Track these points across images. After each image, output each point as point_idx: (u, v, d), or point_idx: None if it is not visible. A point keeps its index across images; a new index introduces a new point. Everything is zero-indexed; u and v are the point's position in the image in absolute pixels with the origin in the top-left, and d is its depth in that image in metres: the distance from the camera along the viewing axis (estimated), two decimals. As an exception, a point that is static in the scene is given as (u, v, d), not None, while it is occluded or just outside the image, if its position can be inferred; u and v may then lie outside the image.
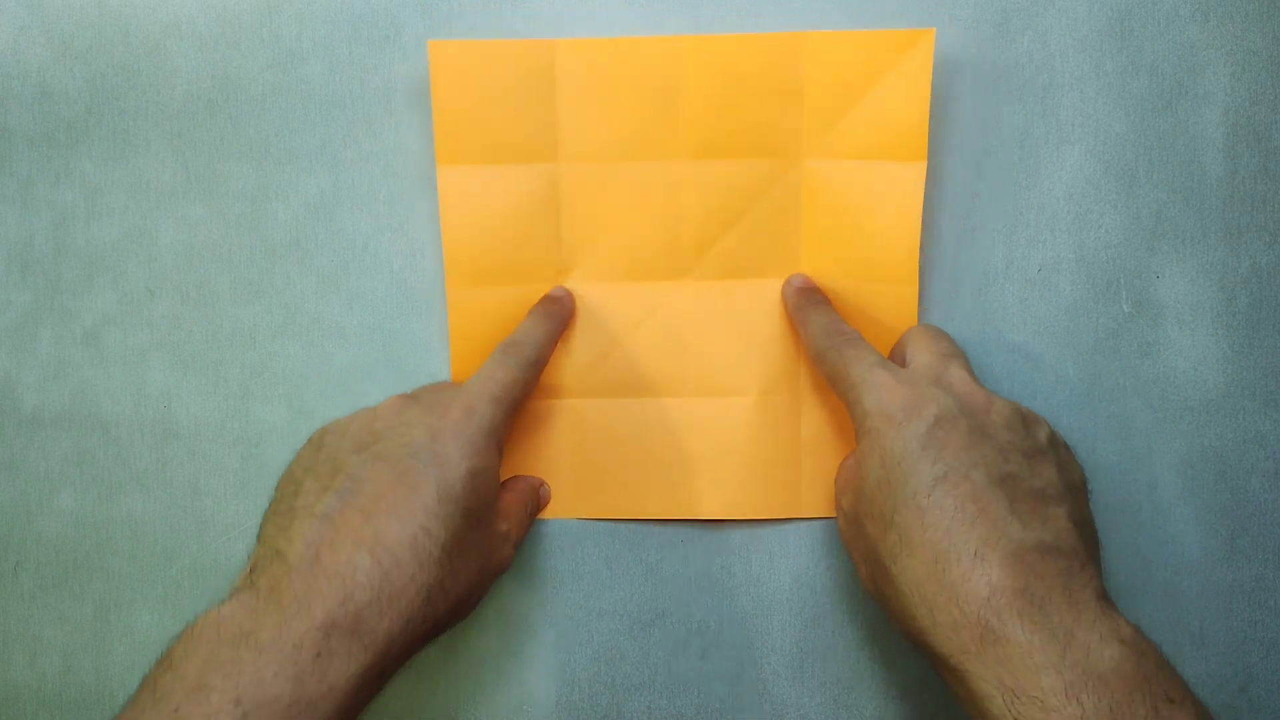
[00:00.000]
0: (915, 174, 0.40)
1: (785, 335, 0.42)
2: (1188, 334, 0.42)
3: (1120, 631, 0.29)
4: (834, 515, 0.41)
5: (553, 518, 0.42)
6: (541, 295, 0.42)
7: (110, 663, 0.43)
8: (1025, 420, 0.34)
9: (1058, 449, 0.35)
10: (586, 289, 0.42)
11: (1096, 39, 0.42)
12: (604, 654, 0.42)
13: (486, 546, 0.35)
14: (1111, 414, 0.41)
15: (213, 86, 0.43)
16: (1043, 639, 0.29)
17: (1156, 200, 0.42)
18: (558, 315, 0.41)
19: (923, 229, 0.42)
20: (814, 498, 0.42)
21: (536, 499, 0.41)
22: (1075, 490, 0.34)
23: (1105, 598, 0.31)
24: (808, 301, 0.40)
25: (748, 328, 0.42)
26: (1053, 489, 0.33)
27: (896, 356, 0.39)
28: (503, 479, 0.39)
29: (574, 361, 0.42)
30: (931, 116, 0.41)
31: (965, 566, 0.30)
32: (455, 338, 0.42)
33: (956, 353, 0.37)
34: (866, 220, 0.41)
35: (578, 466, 0.42)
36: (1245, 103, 0.42)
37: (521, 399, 0.38)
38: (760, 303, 0.42)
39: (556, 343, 0.41)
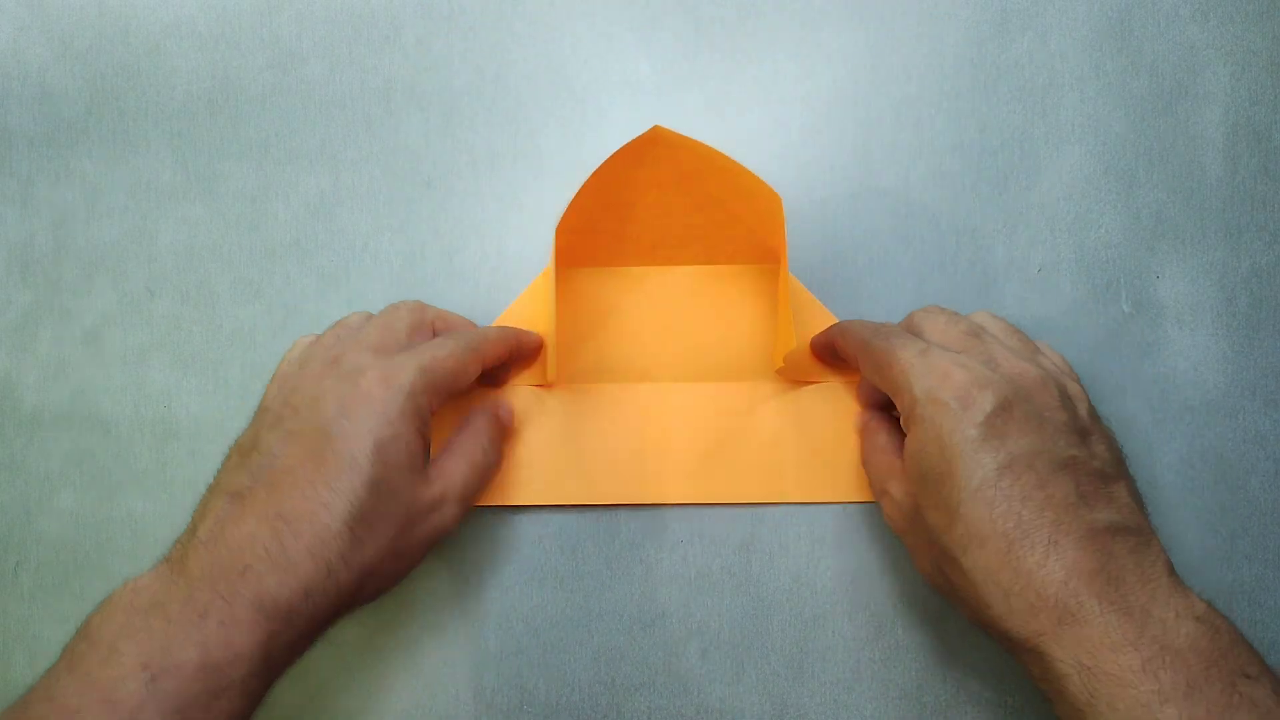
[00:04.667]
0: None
1: (764, 321, 0.42)
2: (1188, 334, 0.42)
3: (1194, 608, 0.30)
4: (819, 501, 0.42)
5: (525, 504, 0.42)
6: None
7: (110, 663, 0.43)
8: (1069, 396, 0.34)
9: (1098, 422, 0.35)
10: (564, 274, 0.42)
11: (1096, 39, 0.42)
12: (604, 654, 0.42)
13: (403, 516, 0.34)
14: (1111, 414, 0.41)
15: (213, 86, 0.43)
16: (1119, 618, 0.29)
17: (1156, 200, 0.42)
18: (516, 334, 0.40)
19: (924, 230, 0.42)
20: (797, 484, 0.42)
21: (491, 432, 0.40)
22: (1122, 463, 0.34)
23: (1174, 573, 0.31)
24: (853, 322, 0.39)
25: (727, 314, 0.42)
26: (1110, 466, 0.33)
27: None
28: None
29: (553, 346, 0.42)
30: (932, 116, 0.41)
31: (1040, 553, 0.30)
32: None
33: (977, 326, 0.36)
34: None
35: (552, 453, 0.42)
36: (1245, 103, 0.42)
37: (453, 381, 0.36)
38: (741, 288, 0.42)
39: (505, 348, 0.40)
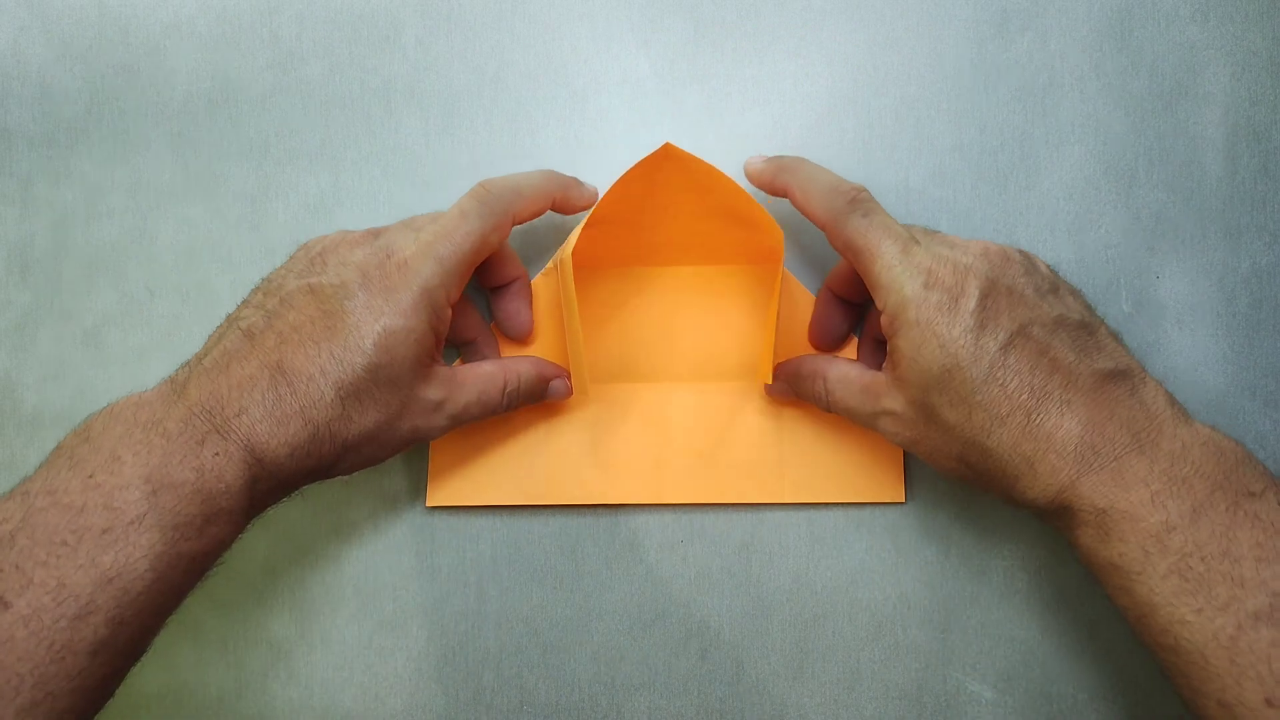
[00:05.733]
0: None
1: (765, 321, 0.42)
2: (1188, 334, 0.42)
3: (1199, 435, 0.32)
4: (818, 501, 0.41)
5: (526, 504, 0.42)
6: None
7: (110, 663, 0.43)
8: (1028, 258, 0.36)
9: (1056, 274, 0.36)
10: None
11: (1096, 39, 0.42)
12: (604, 654, 0.42)
13: (396, 406, 0.35)
14: (1111, 414, 0.41)
15: (213, 86, 0.43)
16: (1132, 458, 0.31)
17: (1156, 200, 0.42)
18: (561, 183, 0.39)
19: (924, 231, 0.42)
20: (796, 484, 0.41)
21: (524, 386, 0.39)
22: (1091, 308, 0.36)
23: (1175, 404, 0.33)
24: (791, 161, 0.39)
25: (728, 313, 0.42)
26: (1087, 315, 0.35)
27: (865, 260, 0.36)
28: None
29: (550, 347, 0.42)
30: (932, 116, 0.41)
31: (1056, 415, 0.32)
32: None
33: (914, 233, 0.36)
34: None
35: (553, 453, 0.42)
36: (1245, 103, 0.42)
37: (478, 255, 0.36)
38: (743, 288, 0.42)
39: (544, 203, 0.39)
